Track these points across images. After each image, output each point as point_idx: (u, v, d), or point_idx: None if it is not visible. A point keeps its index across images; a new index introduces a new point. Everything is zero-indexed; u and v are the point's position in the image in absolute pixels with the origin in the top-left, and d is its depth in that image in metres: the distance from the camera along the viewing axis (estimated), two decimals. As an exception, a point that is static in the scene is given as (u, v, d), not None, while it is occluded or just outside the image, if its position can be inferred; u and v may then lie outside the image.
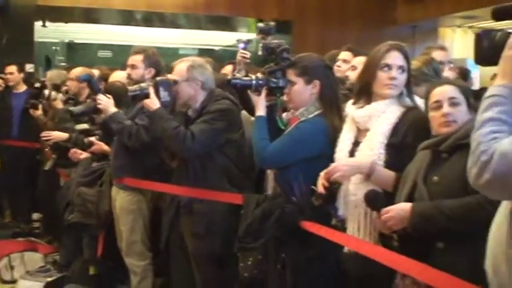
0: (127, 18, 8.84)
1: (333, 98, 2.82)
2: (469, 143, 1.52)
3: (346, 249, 2.53)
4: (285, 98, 2.89)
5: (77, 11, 8.36)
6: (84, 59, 9.34)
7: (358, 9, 7.76)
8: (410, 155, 2.32)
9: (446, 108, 2.21)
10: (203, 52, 9.77)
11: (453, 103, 2.22)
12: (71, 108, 4.09)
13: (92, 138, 4.17)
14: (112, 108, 3.62)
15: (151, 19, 8.75)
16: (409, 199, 2.19)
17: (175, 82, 3.22)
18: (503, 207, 1.59)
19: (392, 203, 2.22)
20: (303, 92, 2.80)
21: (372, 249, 2.34)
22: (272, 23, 3.40)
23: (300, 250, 2.72)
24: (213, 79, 3.33)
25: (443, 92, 2.25)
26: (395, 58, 2.51)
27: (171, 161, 3.42)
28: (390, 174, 2.37)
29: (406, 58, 2.54)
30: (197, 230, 3.18)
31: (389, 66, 2.50)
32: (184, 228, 3.27)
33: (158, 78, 3.30)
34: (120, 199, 3.75)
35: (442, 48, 3.77)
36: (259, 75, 2.94)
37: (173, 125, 3.13)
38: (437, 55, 3.44)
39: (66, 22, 9.00)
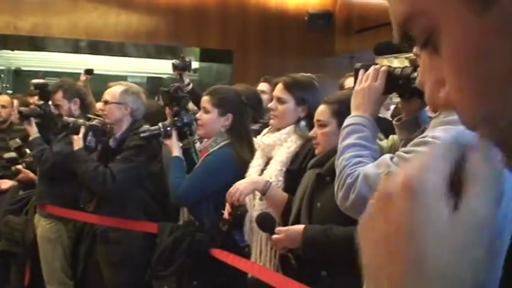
0: (73, 45, 8.85)
1: (243, 132, 2.93)
2: None
3: (249, 275, 2.62)
4: (196, 126, 3.00)
5: (20, 38, 8.33)
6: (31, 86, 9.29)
7: (298, 40, 7.96)
8: None
9: (314, 130, 2.30)
10: (151, 80, 9.84)
11: (320, 125, 2.25)
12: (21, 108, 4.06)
13: (19, 166, 4.17)
14: (34, 134, 3.71)
15: (98, 47, 8.78)
16: (296, 222, 2.28)
17: (106, 102, 3.31)
18: None
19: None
20: (214, 122, 2.90)
21: (270, 276, 2.44)
22: (188, 59, 3.56)
23: (211, 276, 2.80)
24: (143, 110, 3.43)
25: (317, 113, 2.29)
26: (276, 90, 2.64)
27: (87, 204, 3.46)
28: (283, 194, 2.46)
29: (290, 89, 2.58)
30: (112, 259, 3.25)
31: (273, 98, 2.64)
32: (100, 256, 3.32)
33: (91, 123, 3.41)
34: (41, 227, 3.79)
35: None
36: (165, 122, 3.09)
37: (92, 166, 3.22)
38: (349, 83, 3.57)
39: (12, 50, 8.97)
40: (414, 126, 1.70)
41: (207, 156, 2.88)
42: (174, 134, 3.01)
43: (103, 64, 9.29)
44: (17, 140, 4.21)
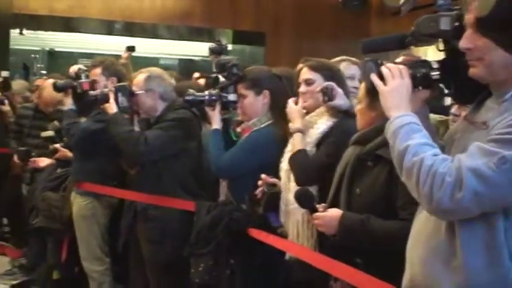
0: (107, 27, 8.90)
1: (285, 107, 2.92)
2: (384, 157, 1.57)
3: (287, 256, 2.62)
4: (238, 111, 3.01)
5: (55, 19, 8.40)
6: (65, 67, 9.36)
7: (332, 21, 7.87)
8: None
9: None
10: (183, 62, 9.85)
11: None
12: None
13: (57, 145, 4.22)
14: (68, 105, 3.76)
15: (131, 29, 8.81)
16: (333, 202, 2.26)
17: (133, 93, 3.31)
18: (427, 217, 1.59)
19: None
20: (254, 103, 2.92)
21: (309, 255, 2.43)
22: (224, 43, 3.54)
23: (248, 257, 2.80)
24: (172, 90, 3.42)
25: None
26: (302, 75, 2.70)
27: (130, 168, 3.50)
28: None
29: (316, 69, 2.67)
30: (152, 236, 3.26)
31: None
32: (140, 233, 3.34)
33: (117, 84, 3.41)
34: (77, 204, 3.83)
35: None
36: (212, 91, 3.05)
37: (127, 128, 3.23)
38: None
39: (46, 30, 9.05)
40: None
41: (251, 133, 2.90)
42: (218, 106, 3.01)
43: (136, 46, 9.35)
44: (55, 123, 4.25)
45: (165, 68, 4.34)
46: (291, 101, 2.67)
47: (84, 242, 3.82)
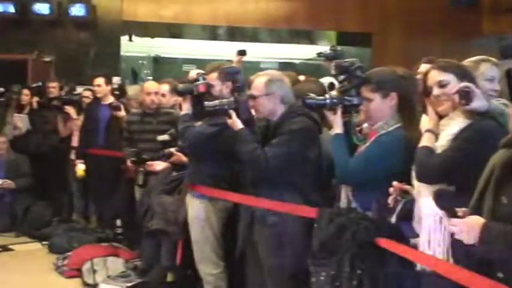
0: (210, 33, 9.07)
1: (413, 109, 2.79)
2: None
3: (418, 267, 2.48)
4: (361, 115, 2.89)
5: (161, 26, 8.65)
6: (170, 73, 9.64)
7: (442, 21, 7.57)
8: None
9: None
10: (283, 66, 9.85)
11: None
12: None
13: (172, 149, 4.28)
14: (185, 110, 3.82)
15: (233, 34, 8.93)
16: (476, 207, 2.10)
17: (254, 97, 3.27)
18: None
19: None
20: (381, 107, 2.79)
21: (444, 266, 2.28)
22: (339, 48, 3.43)
23: (377, 267, 2.68)
24: (291, 93, 3.36)
25: None
26: (431, 78, 2.55)
27: None
28: None
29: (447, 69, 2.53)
30: (271, 243, 3.20)
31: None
32: (258, 239, 3.29)
33: (239, 98, 3.38)
34: (192, 207, 3.85)
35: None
36: (333, 94, 2.96)
37: (250, 147, 3.20)
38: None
39: (152, 37, 9.33)
40: None
41: (379, 137, 2.77)
42: (339, 110, 2.91)
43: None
44: (172, 130, 4.31)
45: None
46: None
47: (198, 245, 3.84)
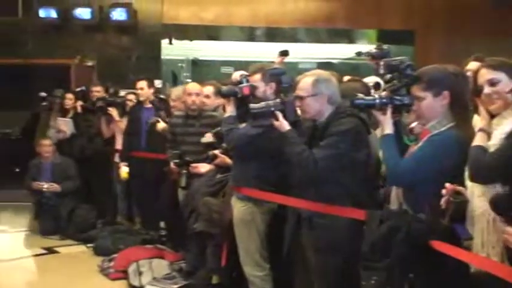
0: (247, 34, 9.08)
1: (465, 107, 2.73)
2: None
3: (473, 269, 2.42)
4: (412, 114, 2.84)
5: (200, 28, 8.70)
6: (208, 75, 9.69)
7: (486, 19, 7.40)
8: None
9: None
10: (322, 65, 9.79)
11: None
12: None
13: (216, 151, 4.29)
14: (229, 112, 3.82)
15: (271, 34, 8.92)
16: None
17: (301, 98, 3.25)
18: None
19: None
20: (433, 106, 2.73)
21: (500, 268, 2.23)
22: (386, 47, 3.37)
23: (429, 270, 2.63)
24: (338, 93, 3.32)
25: None
26: (481, 76, 2.54)
27: None
28: None
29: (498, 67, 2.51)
30: (318, 245, 3.17)
31: None
32: (305, 242, 3.27)
33: (285, 100, 3.36)
34: (237, 209, 3.85)
35: None
36: (382, 93, 2.91)
37: (298, 149, 3.17)
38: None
39: (191, 40, 9.39)
40: None
41: (431, 137, 2.70)
42: (389, 110, 2.86)
43: (275, 52, 9.42)
44: (217, 129, 4.31)
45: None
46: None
47: (243, 246, 3.84)
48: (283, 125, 3.25)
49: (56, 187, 6.80)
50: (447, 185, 2.48)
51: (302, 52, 9.83)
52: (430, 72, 2.80)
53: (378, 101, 2.89)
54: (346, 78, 4.82)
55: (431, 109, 2.72)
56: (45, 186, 6.79)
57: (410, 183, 2.75)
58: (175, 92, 5.76)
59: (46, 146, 6.95)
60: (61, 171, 6.90)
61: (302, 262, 3.34)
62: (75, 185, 6.90)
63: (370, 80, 4.25)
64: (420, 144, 2.74)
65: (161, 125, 5.71)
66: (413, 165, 2.69)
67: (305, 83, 3.27)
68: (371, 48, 4.00)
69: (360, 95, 3.01)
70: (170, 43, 8.63)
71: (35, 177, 6.88)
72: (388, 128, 2.86)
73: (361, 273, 2.85)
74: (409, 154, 2.77)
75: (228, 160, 4.18)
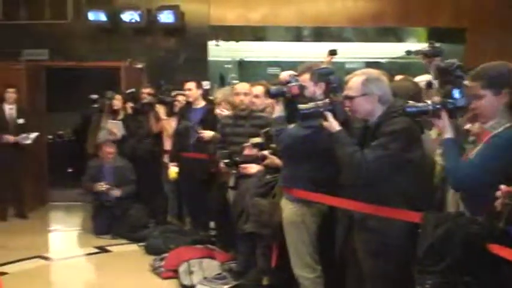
0: (294, 34, 9.04)
1: None
2: None
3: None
4: (471, 113, 2.77)
5: (246, 29, 8.71)
6: (255, 76, 9.69)
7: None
8: None
9: None
10: (369, 65, 9.68)
11: None
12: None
13: (265, 152, 4.29)
14: (278, 112, 3.81)
15: (318, 34, 8.86)
16: None
17: (351, 98, 3.21)
18: None
19: None
20: (493, 104, 2.65)
21: None
22: (438, 45, 3.29)
23: (487, 275, 2.56)
24: (390, 92, 3.26)
25: None
26: None
27: None
28: None
29: None
30: (371, 248, 3.12)
31: None
32: (357, 244, 3.22)
33: (334, 101, 3.32)
34: (286, 210, 3.82)
35: None
36: (435, 98, 2.86)
37: (350, 150, 3.12)
38: None
39: (237, 41, 9.42)
40: None
41: (492, 138, 2.63)
42: (444, 114, 2.80)
43: (322, 52, 9.35)
44: (267, 129, 4.31)
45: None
46: None
47: (293, 248, 3.81)
48: (334, 125, 3.22)
49: (117, 192, 6.92)
50: (502, 186, 2.40)
51: (349, 52, 9.74)
52: (490, 69, 2.71)
53: (430, 107, 2.84)
54: (398, 77, 4.75)
55: (491, 107, 2.64)
56: (108, 189, 6.90)
57: (471, 187, 2.68)
58: (221, 93, 5.80)
59: (109, 148, 7.08)
60: (122, 174, 7.03)
61: (354, 265, 3.29)
62: (133, 190, 7.02)
63: (422, 78, 4.17)
64: (480, 146, 2.67)
65: (208, 134, 5.73)
66: (474, 169, 2.62)
67: (355, 82, 3.21)
68: (422, 46, 3.93)
69: (411, 102, 2.95)
70: (217, 45, 8.68)
71: (95, 178, 7.01)
72: (448, 131, 2.79)
73: (416, 277, 2.77)
74: (469, 157, 2.70)
75: (278, 161, 4.17)
